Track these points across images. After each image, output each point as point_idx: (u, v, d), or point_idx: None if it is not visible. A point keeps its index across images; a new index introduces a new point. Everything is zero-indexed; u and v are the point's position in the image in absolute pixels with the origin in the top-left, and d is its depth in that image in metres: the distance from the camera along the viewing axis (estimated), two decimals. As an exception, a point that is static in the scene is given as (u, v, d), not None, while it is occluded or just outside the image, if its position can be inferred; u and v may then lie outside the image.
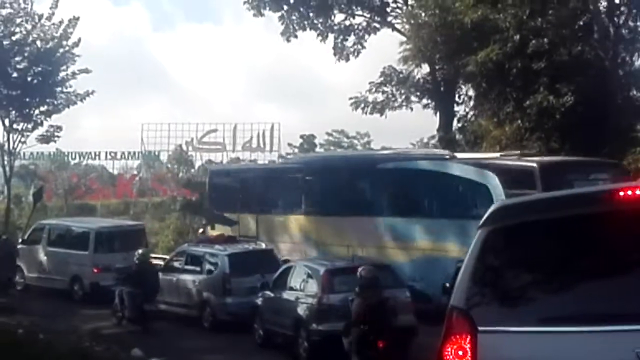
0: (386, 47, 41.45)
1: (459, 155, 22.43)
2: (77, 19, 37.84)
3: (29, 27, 37.37)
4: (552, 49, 26.98)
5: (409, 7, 33.62)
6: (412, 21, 31.40)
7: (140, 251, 21.16)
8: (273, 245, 22.81)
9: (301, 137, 70.93)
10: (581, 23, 28.19)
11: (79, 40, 37.77)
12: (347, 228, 22.49)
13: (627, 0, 28.99)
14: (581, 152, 23.18)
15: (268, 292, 17.92)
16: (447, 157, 21.77)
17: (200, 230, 28.68)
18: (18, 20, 37.30)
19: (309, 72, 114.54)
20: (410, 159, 22.78)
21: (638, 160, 25.24)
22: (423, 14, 30.39)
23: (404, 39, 32.54)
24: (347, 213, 22.58)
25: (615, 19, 28.62)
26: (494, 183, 18.19)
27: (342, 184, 23.20)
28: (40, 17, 37.47)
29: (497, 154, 21.49)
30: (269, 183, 25.66)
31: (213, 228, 26.26)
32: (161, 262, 24.60)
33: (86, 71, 38.05)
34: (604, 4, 28.77)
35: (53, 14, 37.57)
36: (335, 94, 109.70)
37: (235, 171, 30.24)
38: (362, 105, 34.30)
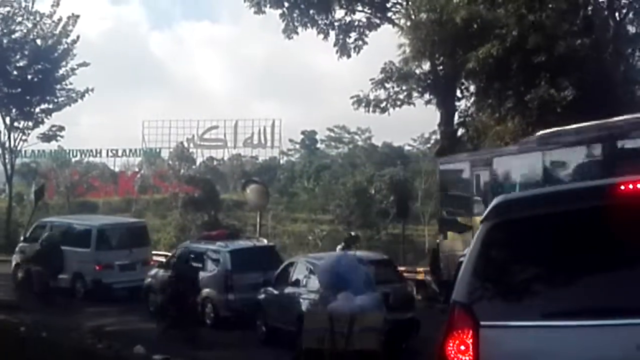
0: (387, 43, 41.30)
1: None
2: (77, 16, 37.99)
3: (29, 25, 37.46)
4: (552, 43, 26.91)
5: (406, 6, 33.46)
6: (410, 22, 31.30)
7: (45, 234, 23.25)
8: None
9: (302, 133, 71.11)
10: (581, 16, 28.13)
11: (78, 37, 37.91)
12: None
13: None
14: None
15: (270, 289, 17.91)
16: None
17: (438, 240, 23.46)
18: (19, 19, 37.40)
19: (309, 68, 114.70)
20: None
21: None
22: (422, 14, 30.28)
23: (403, 36, 32.40)
24: None
25: (616, 13, 28.56)
26: None
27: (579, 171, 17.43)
28: (42, 15, 37.57)
29: None
30: (498, 173, 20.24)
31: (446, 237, 21.57)
32: (163, 259, 24.61)
33: (84, 64, 38.17)
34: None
35: (54, 12, 37.67)
36: (336, 90, 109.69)
37: (466, 163, 22.87)
38: (364, 103, 34.10)
